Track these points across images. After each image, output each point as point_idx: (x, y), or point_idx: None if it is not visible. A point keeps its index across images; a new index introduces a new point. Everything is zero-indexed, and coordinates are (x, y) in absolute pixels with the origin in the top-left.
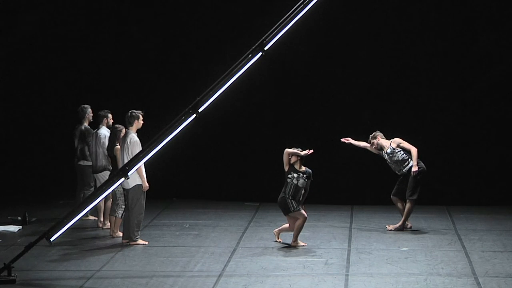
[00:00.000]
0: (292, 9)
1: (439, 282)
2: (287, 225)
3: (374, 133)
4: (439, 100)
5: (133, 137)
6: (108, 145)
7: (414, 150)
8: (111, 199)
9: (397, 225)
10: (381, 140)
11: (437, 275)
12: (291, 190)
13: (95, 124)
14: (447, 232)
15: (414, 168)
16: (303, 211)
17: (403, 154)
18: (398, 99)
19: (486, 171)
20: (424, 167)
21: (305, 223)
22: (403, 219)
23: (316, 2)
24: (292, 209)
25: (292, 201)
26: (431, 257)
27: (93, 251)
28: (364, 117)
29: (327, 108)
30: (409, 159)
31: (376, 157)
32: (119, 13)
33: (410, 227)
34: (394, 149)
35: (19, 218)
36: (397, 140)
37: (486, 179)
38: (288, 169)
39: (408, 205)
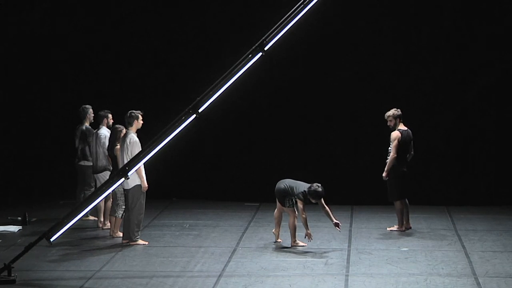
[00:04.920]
0: (292, 9)
1: (439, 282)
2: (276, 219)
3: (399, 113)
4: (440, 100)
5: (133, 137)
6: (108, 145)
7: (391, 157)
8: (111, 199)
9: (395, 227)
10: (399, 126)
11: (437, 275)
12: (298, 196)
13: (96, 124)
14: (447, 232)
15: (384, 173)
16: (294, 209)
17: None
18: (399, 100)
19: (486, 171)
20: (399, 171)
21: (302, 217)
22: (398, 221)
23: (316, 2)
24: (287, 205)
25: (290, 200)
26: (431, 257)
27: (93, 251)
28: None
29: (327, 108)
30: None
31: (375, 158)
32: (119, 13)
33: (410, 228)
34: (391, 144)
35: (19, 218)
36: (393, 136)
37: (486, 179)
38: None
39: (396, 207)
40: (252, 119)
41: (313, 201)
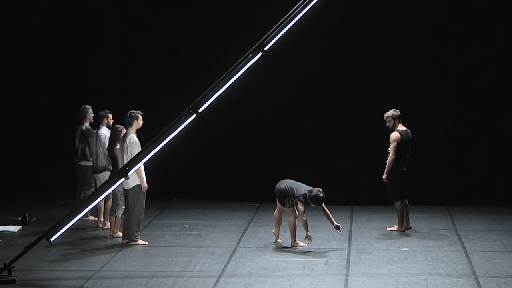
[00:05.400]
0: (292, 9)
1: (439, 282)
2: (276, 219)
3: (398, 114)
4: (440, 100)
5: (133, 137)
6: (108, 145)
7: (390, 158)
8: (111, 199)
9: (395, 227)
10: (399, 126)
11: (437, 275)
12: (299, 198)
13: (96, 124)
14: (447, 232)
15: (384, 175)
16: (295, 209)
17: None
18: (399, 100)
19: (486, 171)
20: (399, 171)
21: (303, 220)
22: (398, 221)
23: (316, 2)
24: (287, 205)
25: (290, 200)
26: (431, 257)
27: (93, 251)
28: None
29: (327, 108)
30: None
31: (375, 158)
32: (119, 12)
33: (410, 228)
34: (390, 145)
35: (19, 218)
36: (392, 137)
37: (486, 179)
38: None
39: (396, 207)
40: (252, 119)
41: (314, 205)
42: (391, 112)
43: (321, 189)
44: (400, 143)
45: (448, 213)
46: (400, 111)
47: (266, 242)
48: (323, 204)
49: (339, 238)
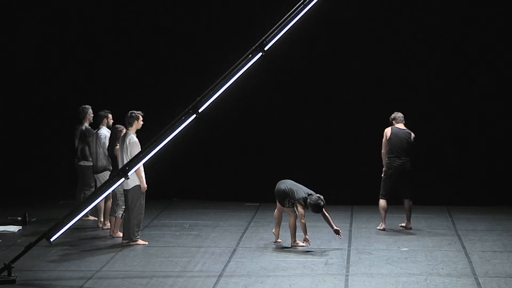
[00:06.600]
0: (292, 9)
1: (439, 282)
2: (276, 219)
3: (393, 116)
4: (439, 99)
5: (132, 137)
6: (108, 145)
7: (382, 152)
8: (111, 199)
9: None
10: (397, 125)
11: (437, 275)
12: (299, 201)
13: (95, 124)
14: (447, 232)
15: (383, 171)
16: (294, 209)
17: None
18: (399, 100)
19: (486, 171)
20: (389, 167)
21: (302, 223)
22: (381, 219)
23: (316, 2)
24: (287, 205)
25: (290, 201)
26: (431, 257)
27: (93, 251)
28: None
29: (327, 109)
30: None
31: (376, 157)
32: (119, 13)
33: (410, 228)
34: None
35: (19, 218)
36: (385, 133)
37: (486, 179)
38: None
39: (379, 205)
40: (252, 119)
41: (314, 212)
42: (396, 117)
43: (322, 196)
44: (388, 140)
45: (448, 213)
46: (402, 113)
47: (266, 242)
48: (323, 209)
49: (339, 238)
